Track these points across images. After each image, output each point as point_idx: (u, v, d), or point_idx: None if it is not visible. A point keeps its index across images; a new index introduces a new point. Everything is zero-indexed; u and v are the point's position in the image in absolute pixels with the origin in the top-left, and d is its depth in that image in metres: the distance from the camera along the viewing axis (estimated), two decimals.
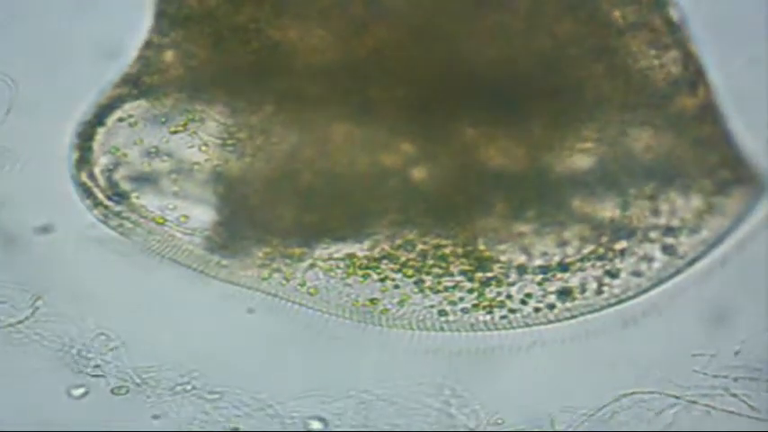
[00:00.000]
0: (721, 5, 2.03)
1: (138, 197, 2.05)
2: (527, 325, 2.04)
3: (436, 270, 2.03)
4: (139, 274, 2.04)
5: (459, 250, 2.02)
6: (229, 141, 2.03)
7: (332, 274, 2.03)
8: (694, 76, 2.03)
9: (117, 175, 2.05)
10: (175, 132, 2.04)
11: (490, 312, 2.05)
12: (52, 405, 1.99)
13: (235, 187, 2.02)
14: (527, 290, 2.04)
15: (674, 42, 2.02)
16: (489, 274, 2.03)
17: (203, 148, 2.04)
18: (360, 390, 2.01)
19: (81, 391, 1.97)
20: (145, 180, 2.05)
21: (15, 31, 2.03)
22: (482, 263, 2.03)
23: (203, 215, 2.04)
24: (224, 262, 2.03)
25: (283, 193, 2.02)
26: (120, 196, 2.06)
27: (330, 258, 2.03)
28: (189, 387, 1.98)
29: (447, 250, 2.02)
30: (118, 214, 2.06)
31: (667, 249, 2.03)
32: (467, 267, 2.03)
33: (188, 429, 2.00)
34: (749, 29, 2.03)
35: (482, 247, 2.02)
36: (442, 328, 2.04)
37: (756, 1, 2.03)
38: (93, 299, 2.01)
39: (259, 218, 2.02)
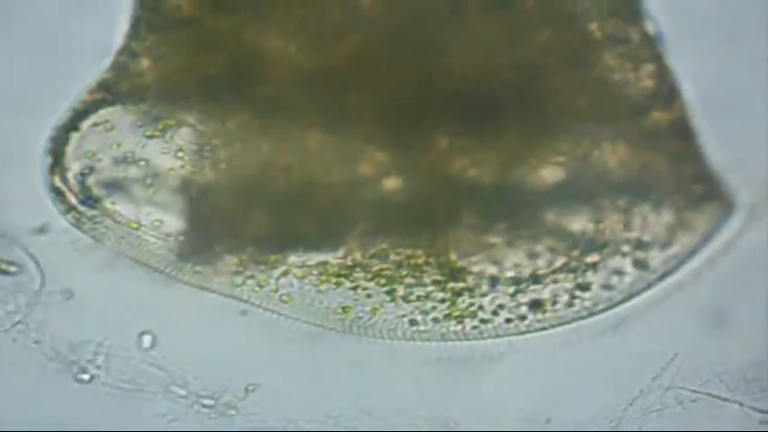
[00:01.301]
0: (697, 20, 2.04)
1: (112, 202, 2.05)
2: (498, 336, 2.05)
3: (408, 280, 2.04)
4: (111, 277, 2.05)
5: (432, 260, 2.03)
6: (205, 148, 2.02)
7: (306, 281, 2.03)
8: (669, 90, 2.03)
9: (90, 180, 2.05)
10: (151, 138, 2.04)
11: (461, 323, 2.05)
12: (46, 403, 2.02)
13: (209, 194, 2.02)
14: (499, 301, 2.05)
15: (650, 56, 2.02)
16: (461, 285, 2.03)
17: (178, 153, 2.04)
18: (331, 398, 2.05)
19: (86, 377, 2.00)
20: (119, 185, 2.04)
21: (10, 29, 2.05)
22: (454, 273, 2.03)
23: (177, 221, 2.04)
24: (197, 268, 2.03)
25: (257, 201, 2.01)
26: (93, 200, 2.05)
27: (304, 266, 2.03)
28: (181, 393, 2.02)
29: (419, 260, 2.03)
30: (91, 219, 2.06)
31: (639, 263, 2.04)
32: (439, 277, 2.03)
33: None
34: (725, 40, 2.04)
35: (454, 257, 2.02)
36: (412, 338, 2.06)
37: (734, 12, 2.04)
38: (69, 301, 2.03)
39: (232, 225, 2.02)
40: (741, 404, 2.01)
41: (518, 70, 2.00)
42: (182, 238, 2.04)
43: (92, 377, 2.00)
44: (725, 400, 2.01)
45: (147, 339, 2.02)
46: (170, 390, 2.02)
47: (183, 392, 2.01)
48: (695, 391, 2.01)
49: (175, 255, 2.04)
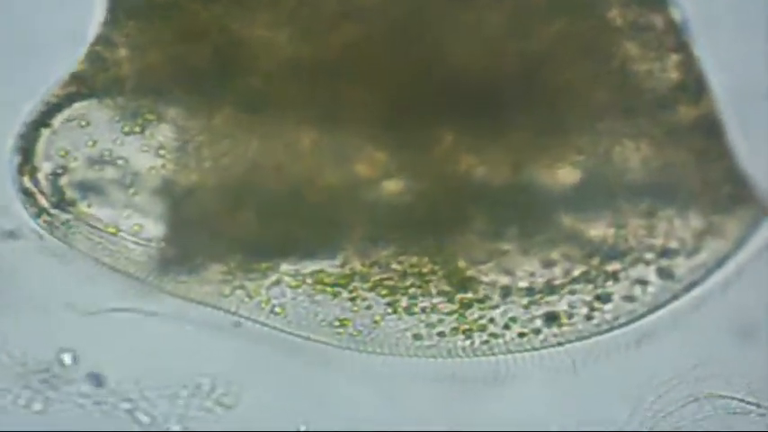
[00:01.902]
0: (727, 5, 2.01)
1: (87, 205, 2.02)
2: (510, 351, 2.02)
3: (412, 290, 2.01)
4: (86, 288, 2.02)
5: (438, 269, 2.00)
6: (188, 145, 1.99)
7: (300, 291, 2.01)
8: (696, 82, 2.00)
9: (63, 181, 2.01)
10: (130, 134, 2.00)
11: (470, 337, 2.02)
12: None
13: (193, 195, 1.99)
14: (511, 313, 2.01)
15: (675, 45, 1.98)
16: (470, 296, 2.00)
17: (160, 151, 2.00)
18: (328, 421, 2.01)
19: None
20: (94, 186, 2.01)
21: None
22: (462, 283, 2.00)
23: (158, 225, 2.00)
24: (181, 277, 2.00)
25: (246, 203, 1.97)
26: (66, 203, 2.02)
27: (297, 274, 2.00)
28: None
29: (424, 269, 2.00)
30: (64, 223, 2.02)
31: (663, 272, 2.01)
32: (446, 288, 2.00)
33: None
34: (753, 29, 2.01)
35: (462, 265, 1.99)
36: (416, 354, 2.03)
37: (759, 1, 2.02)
38: (41, 312, 2.01)
39: (219, 230, 1.98)
40: None
41: (528, 61, 1.97)
42: (163, 244, 2.01)
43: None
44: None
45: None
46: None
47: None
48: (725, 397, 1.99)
49: (157, 262, 2.00)
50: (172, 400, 1.99)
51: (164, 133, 1.98)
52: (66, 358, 1.99)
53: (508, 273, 1.99)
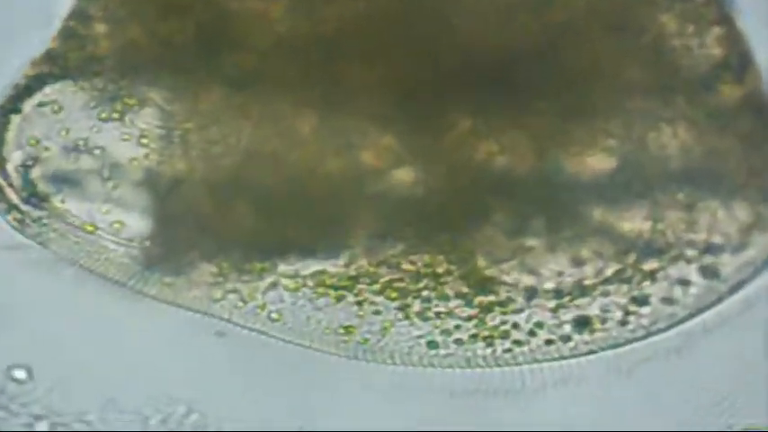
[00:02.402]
0: None
1: (62, 200, 1.98)
2: (536, 361, 1.98)
3: (426, 292, 1.97)
4: (63, 292, 1.97)
5: (454, 268, 1.95)
6: (173, 132, 1.95)
7: (299, 294, 1.97)
8: (740, 59, 1.97)
9: (35, 173, 1.98)
10: (108, 120, 1.97)
11: (491, 345, 1.98)
12: None
13: (180, 189, 1.95)
14: (537, 318, 1.97)
15: (717, 17, 1.96)
16: (491, 298, 1.96)
17: (142, 140, 1.97)
18: None
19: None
20: (70, 179, 1.98)
21: None
22: (482, 284, 1.96)
23: (141, 222, 1.97)
24: (167, 279, 1.96)
25: (239, 197, 1.94)
26: (38, 198, 1.99)
27: (297, 276, 1.96)
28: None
29: (439, 268, 1.96)
30: (37, 220, 1.99)
31: (707, 271, 1.97)
32: (464, 289, 1.96)
33: None
34: None
35: (482, 264, 1.95)
36: (431, 364, 1.98)
37: None
38: (9, 321, 1.97)
39: (209, 226, 1.94)
40: None
41: (552, 35, 1.93)
42: (147, 242, 1.98)
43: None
44: None
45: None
46: None
47: None
48: None
49: (140, 263, 1.97)
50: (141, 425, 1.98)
51: (146, 119, 1.96)
52: (17, 374, 1.97)
53: (533, 272, 1.96)
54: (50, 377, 1.96)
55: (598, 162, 1.92)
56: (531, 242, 1.94)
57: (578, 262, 1.95)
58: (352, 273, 1.95)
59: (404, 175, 1.93)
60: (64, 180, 1.96)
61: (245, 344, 1.97)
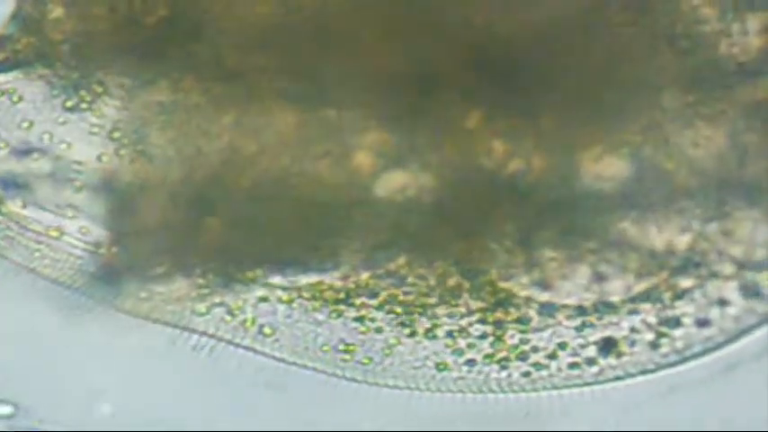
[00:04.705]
0: None
1: (21, 204, 1.91)
2: (556, 387, 1.92)
3: (434, 309, 1.90)
4: (19, 307, 1.91)
5: (465, 282, 1.88)
6: (140, 129, 1.86)
7: (293, 307, 1.90)
8: None
9: None
10: (73, 111, 1.88)
11: (506, 367, 1.92)
12: None
13: (153, 189, 1.86)
14: (558, 339, 1.92)
15: (752, 6, 1.89)
16: (507, 316, 1.89)
17: (113, 134, 1.87)
18: None
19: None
20: (29, 180, 1.90)
21: None
22: (496, 299, 1.89)
23: (109, 227, 1.88)
24: (141, 292, 1.86)
25: (218, 201, 1.85)
26: None
27: (291, 287, 1.88)
28: None
29: (449, 282, 1.88)
30: None
31: (747, 290, 1.90)
32: (476, 305, 1.89)
33: None
34: None
35: (494, 278, 1.87)
36: (439, 388, 1.93)
37: None
38: None
39: (186, 233, 1.85)
40: None
41: (566, 21, 1.83)
42: (116, 249, 1.88)
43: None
44: None
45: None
46: None
47: None
48: None
49: (109, 273, 1.89)
50: None
51: (108, 114, 1.86)
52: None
53: (551, 287, 1.89)
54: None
55: (621, 165, 1.85)
56: (549, 254, 1.87)
57: (602, 278, 1.87)
58: (351, 286, 1.88)
59: (405, 178, 1.84)
60: (22, 181, 1.89)
61: (228, 360, 1.91)
